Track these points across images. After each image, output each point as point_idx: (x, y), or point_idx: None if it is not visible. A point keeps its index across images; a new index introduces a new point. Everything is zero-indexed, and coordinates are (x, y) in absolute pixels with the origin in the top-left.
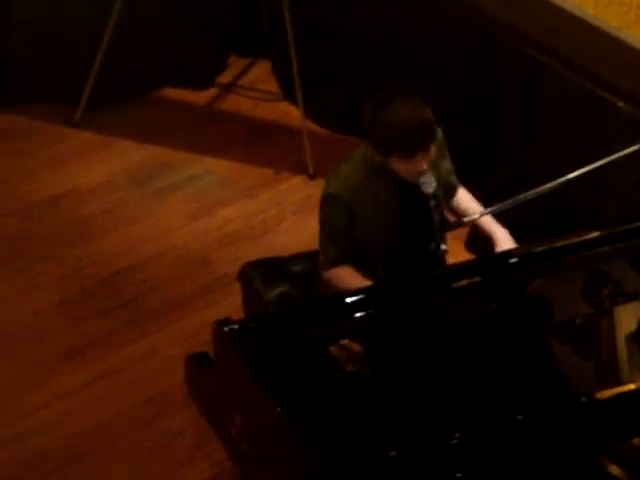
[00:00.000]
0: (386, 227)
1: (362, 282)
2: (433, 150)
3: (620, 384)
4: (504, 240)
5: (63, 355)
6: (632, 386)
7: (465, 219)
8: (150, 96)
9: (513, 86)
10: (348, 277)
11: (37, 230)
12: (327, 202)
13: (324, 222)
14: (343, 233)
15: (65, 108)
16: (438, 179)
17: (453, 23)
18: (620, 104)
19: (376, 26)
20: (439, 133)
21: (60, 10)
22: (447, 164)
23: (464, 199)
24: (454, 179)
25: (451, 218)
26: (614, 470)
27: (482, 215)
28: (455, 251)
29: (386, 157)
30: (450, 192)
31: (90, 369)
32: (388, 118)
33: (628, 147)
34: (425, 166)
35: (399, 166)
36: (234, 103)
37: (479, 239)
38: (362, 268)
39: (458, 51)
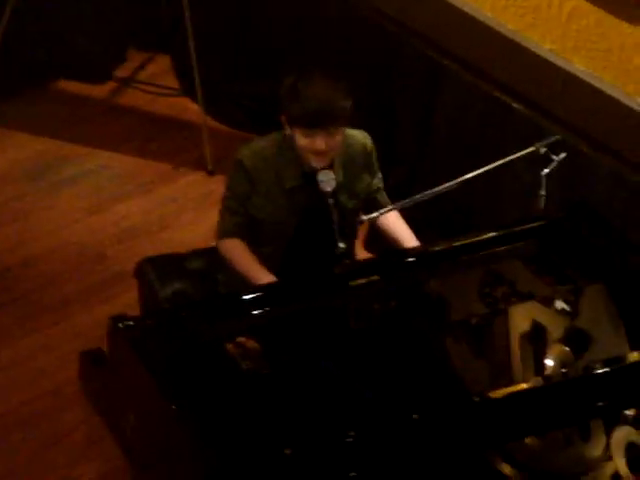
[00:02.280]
0: (286, 214)
1: (247, 260)
2: (339, 138)
3: (513, 383)
4: (410, 240)
5: None
6: (524, 385)
7: (363, 217)
8: (46, 88)
9: (412, 85)
10: (236, 251)
11: None
12: (233, 167)
13: (227, 186)
14: (240, 201)
15: None
16: (352, 189)
17: (356, 22)
18: (516, 106)
19: (278, 22)
20: (369, 146)
21: None
22: (369, 180)
23: (391, 219)
24: (381, 198)
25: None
26: (506, 469)
27: (381, 213)
28: (355, 250)
29: (290, 126)
30: (372, 208)
31: None
32: (302, 88)
33: (524, 149)
34: (321, 146)
35: (300, 140)
36: (132, 97)
37: (378, 239)
38: (253, 243)
39: (360, 50)
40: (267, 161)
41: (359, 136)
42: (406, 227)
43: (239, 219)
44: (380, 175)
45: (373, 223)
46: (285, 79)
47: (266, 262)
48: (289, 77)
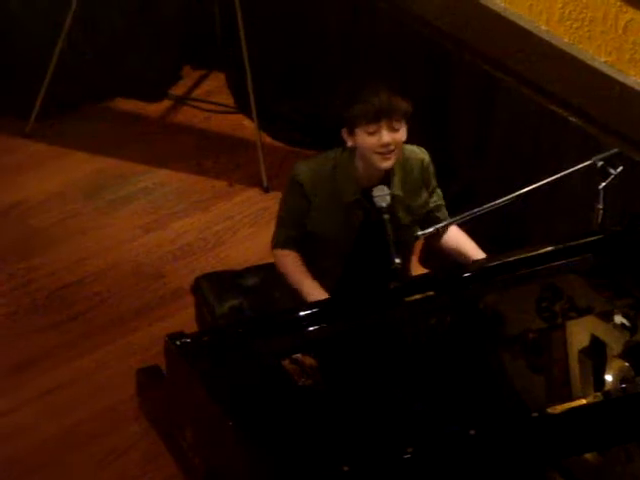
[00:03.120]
0: (344, 229)
1: (298, 273)
2: (401, 135)
3: (572, 399)
4: (476, 253)
5: (13, 368)
6: (584, 401)
7: (419, 233)
8: (103, 107)
9: (467, 100)
10: (289, 264)
11: None
12: (289, 184)
13: (282, 201)
14: (295, 216)
15: (17, 119)
16: (408, 205)
17: (410, 38)
18: (572, 119)
19: (332, 40)
20: (427, 162)
21: (12, 19)
22: (426, 196)
23: (454, 235)
24: (441, 216)
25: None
26: None
27: (435, 229)
28: (411, 266)
29: (352, 133)
30: (432, 225)
31: (40, 382)
32: (361, 90)
33: (580, 162)
34: (387, 139)
35: (365, 140)
36: (187, 115)
37: (433, 254)
38: (311, 257)
39: (414, 65)
40: (324, 177)
41: (417, 151)
42: (470, 241)
43: (292, 232)
44: (440, 192)
45: (435, 241)
46: (340, 90)
47: (325, 277)
48: (345, 86)
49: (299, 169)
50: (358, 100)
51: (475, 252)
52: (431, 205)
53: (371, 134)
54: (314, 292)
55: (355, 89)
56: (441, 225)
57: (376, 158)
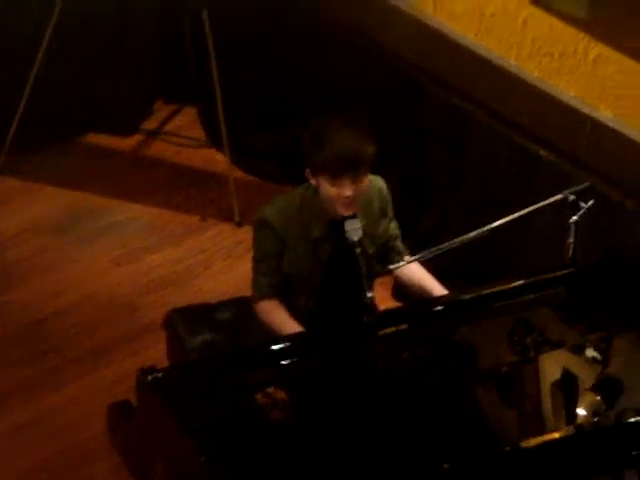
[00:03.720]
0: (313, 264)
1: (285, 320)
2: (364, 184)
3: (544, 433)
4: (437, 288)
5: None
6: (556, 435)
7: (391, 266)
8: (74, 142)
9: (439, 133)
10: (273, 312)
11: None
12: (258, 227)
13: (255, 248)
14: (271, 260)
15: None
16: (372, 235)
17: (380, 71)
18: (543, 153)
19: (303, 74)
20: (385, 191)
21: None
22: (385, 225)
23: (414, 269)
24: (399, 245)
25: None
26: None
27: (407, 263)
28: (382, 299)
29: (315, 176)
30: (391, 256)
31: (10, 418)
32: (325, 135)
33: (552, 196)
34: (349, 193)
35: (325, 188)
36: (159, 149)
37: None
38: (285, 296)
39: (385, 98)
40: (292, 217)
41: (374, 180)
42: (430, 276)
43: (272, 279)
44: (396, 222)
45: (396, 274)
46: (307, 129)
47: (300, 312)
48: (312, 126)
49: (266, 212)
50: (323, 147)
51: (436, 288)
52: (390, 233)
53: (333, 185)
54: None
55: (321, 130)
56: (414, 258)
57: (337, 206)
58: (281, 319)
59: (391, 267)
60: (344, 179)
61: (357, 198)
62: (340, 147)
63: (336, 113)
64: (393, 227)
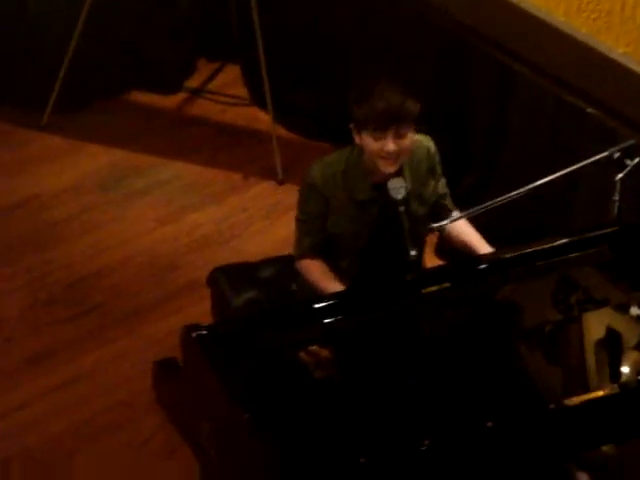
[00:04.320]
0: (360, 226)
1: (326, 280)
2: (408, 140)
3: (589, 391)
4: (482, 245)
5: (30, 360)
6: (600, 393)
7: (434, 225)
8: (118, 100)
9: (483, 91)
10: (315, 271)
11: (3, 234)
12: (305, 189)
13: (299, 208)
14: (315, 222)
15: (32, 111)
16: (420, 196)
17: (423, 28)
18: (589, 110)
19: (346, 32)
20: (433, 150)
21: (26, 13)
22: (434, 184)
23: (460, 226)
24: (448, 203)
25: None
26: (583, 477)
27: (451, 221)
28: (425, 258)
29: (359, 132)
30: (440, 214)
31: (58, 374)
32: (369, 91)
33: (597, 153)
34: (392, 147)
35: (369, 143)
36: (202, 108)
37: (449, 246)
38: (328, 258)
39: (429, 56)
40: (337, 178)
41: (422, 140)
42: (475, 233)
43: (314, 239)
44: (444, 180)
45: (442, 231)
46: (352, 84)
47: (343, 275)
48: (357, 82)
49: (313, 173)
50: (367, 100)
51: (481, 246)
52: (440, 192)
53: (376, 139)
54: None
55: (366, 86)
56: (456, 218)
57: (380, 163)
58: (324, 277)
59: (434, 226)
60: (387, 133)
61: (401, 155)
62: (383, 101)
63: (381, 70)
64: (442, 185)
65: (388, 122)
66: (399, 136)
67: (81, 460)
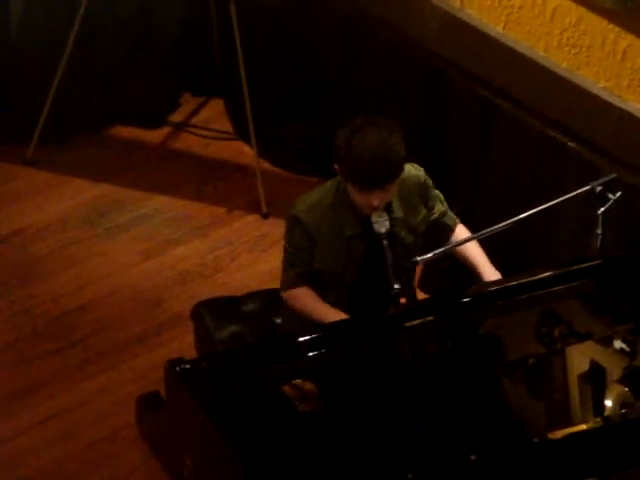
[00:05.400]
0: (347, 262)
1: (317, 304)
2: (394, 189)
3: (572, 424)
4: (488, 270)
5: (14, 394)
6: (584, 426)
7: (418, 258)
8: (102, 135)
9: (466, 125)
10: (304, 298)
11: None
12: (290, 224)
13: (286, 242)
14: (302, 255)
15: (17, 146)
16: (409, 225)
17: (408, 63)
18: (571, 145)
19: (330, 65)
20: (422, 180)
21: (12, 47)
22: (425, 212)
23: (468, 248)
24: (447, 220)
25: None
26: None
27: (434, 255)
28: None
29: (345, 180)
30: (441, 233)
31: (41, 409)
32: (356, 145)
33: (580, 187)
34: (377, 203)
35: (354, 196)
36: (186, 142)
37: (432, 279)
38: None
39: (413, 90)
40: (324, 213)
41: (413, 170)
42: (483, 255)
43: (301, 269)
44: (441, 197)
45: (451, 253)
46: (339, 131)
47: None
48: (343, 130)
49: (298, 209)
50: (351, 159)
51: (487, 270)
52: (435, 215)
53: (361, 193)
54: (335, 317)
55: (351, 139)
56: (440, 251)
57: (365, 210)
58: (312, 303)
59: (417, 259)
60: (372, 191)
61: (385, 203)
62: (368, 164)
63: (366, 117)
64: (439, 206)
65: (374, 182)
66: (384, 190)
67: None
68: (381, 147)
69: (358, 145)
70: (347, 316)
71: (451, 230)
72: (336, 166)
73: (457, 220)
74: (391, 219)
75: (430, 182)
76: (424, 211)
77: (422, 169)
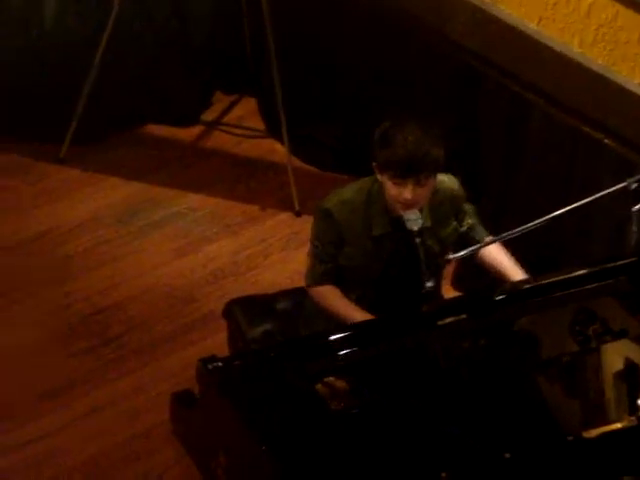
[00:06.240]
0: (373, 259)
1: (342, 303)
2: (428, 188)
3: (607, 423)
4: (514, 271)
5: (49, 392)
6: (619, 425)
7: (451, 256)
8: (135, 133)
9: (499, 122)
10: (330, 297)
11: (22, 267)
12: (320, 216)
13: (313, 234)
14: (329, 249)
15: (50, 145)
16: (437, 235)
17: (441, 60)
18: (606, 141)
19: (363, 63)
20: (457, 190)
21: (44, 47)
22: (455, 225)
23: (492, 252)
24: (475, 234)
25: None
26: None
27: (468, 253)
28: (442, 289)
29: (380, 173)
30: (468, 246)
31: (76, 406)
32: (393, 135)
33: (615, 184)
34: (409, 196)
35: (388, 187)
36: (219, 140)
37: (465, 277)
38: (340, 289)
39: (445, 87)
40: (356, 211)
41: (447, 181)
42: (509, 259)
43: (328, 266)
44: (472, 210)
45: (475, 258)
46: (379, 126)
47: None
48: (382, 124)
49: (331, 203)
50: (389, 146)
51: (513, 271)
52: (464, 228)
53: (395, 184)
54: (360, 317)
55: (390, 129)
56: (471, 249)
57: (397, 206)
58: (338, 302)
59: (451, 257)
60: (406, 181)
61: (419, 202)
62: (404, 150)
63: (408, 114)
64: (468, 220)
65: (408, 172)
66: (419, 185)
67: None
68: (420, 139)
69: (396, 135)
70: (373, 317)
71: (478, 243)
72: (374, 163)
73: (487, 233)
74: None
75: (463, 194)
76: (454, 223)
77: (457, 181)
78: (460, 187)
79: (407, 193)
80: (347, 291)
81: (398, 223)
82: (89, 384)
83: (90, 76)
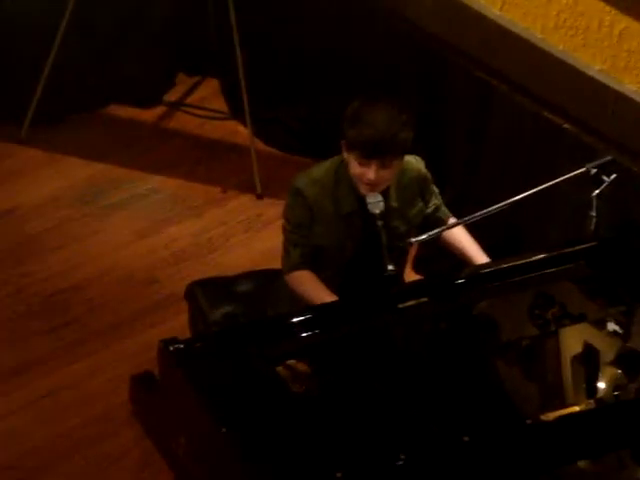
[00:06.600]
0: (345, 238)
1: (317, 289)
2: (393, 170)
3: (565, 406)
4: (477, 254)
5: (7, 373)
6: (577, 408)
7: (412, 239)
8: (97, 113)
9: (462, 106)
10: (307, 284)
11: None
12: (292, 196)
13: (286, 217)
14: (303, 231)
15: (10, 124)
16: (404, 215)
17: (404, 43)
18: (567, 127)
19: (326, 45)
20: (423, 173)
21: (6, 25)
22: (422, 205)
23: (455, 234)
24: (440, 215)
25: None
26: None
27: (429, 236)
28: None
29: (347, 151)
30: (436, 227)
31: (34, 388)
32: (363, 115)
33: (574, 169)
34: (373, 177)
35: (353, 166)
36: (181, 121)
37: (426, 261)
38: (313, 269)
39: (409, 71)
40: (325, 189)
41: (413, 162)
42: (472, 241)
43: (304, 249)
44: (437, 191)
45: (438, 240)
46: (351, 103)
47: (326, 285)
48: (354, 102)
49: (301, 182)
50: (357, 125)
51: (475, 253)
52: (430, 209)
53: (360, 164)
54: None
55: (360, 109)
56: (434, 233)
57: (360, 186)
58: (315, 289)
59: (412, 240)
60: (371, 162)
61: (383, 183)
62: (372, 131)
63: (380, 93)
64: (434, 201)
65: (373, 152)
66: (383, 166)
67: (58, 473)
68: (389, 120)
69: (366, 115)
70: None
71: (443, 223)
72: (342, 141)
73: (450, 214)
74: (387, 207)
75: (430, 176)
76: (421, 204)
77: (423, 162)
78: (425, 168)
79: (370, 174)
80: (319, 270)
81: (364, 202)
82: (48, 365)
83: (51, 56)
